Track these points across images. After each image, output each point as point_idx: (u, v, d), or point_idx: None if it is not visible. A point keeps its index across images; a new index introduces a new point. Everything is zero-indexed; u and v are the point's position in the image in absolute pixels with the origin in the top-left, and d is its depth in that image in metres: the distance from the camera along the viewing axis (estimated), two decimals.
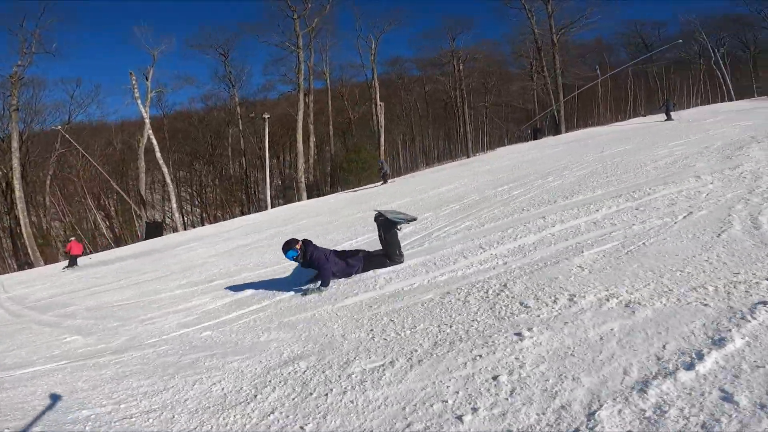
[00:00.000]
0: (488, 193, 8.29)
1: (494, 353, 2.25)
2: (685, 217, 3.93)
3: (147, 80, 27.90)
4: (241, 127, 36.38)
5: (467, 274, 3.80)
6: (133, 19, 55.17)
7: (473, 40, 36.75)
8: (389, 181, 19.19)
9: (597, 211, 4.82)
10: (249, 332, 3.71)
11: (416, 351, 2.50)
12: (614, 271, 3.02)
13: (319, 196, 25.54)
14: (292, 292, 4.64)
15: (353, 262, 4.60)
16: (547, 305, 2.71)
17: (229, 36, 37.53)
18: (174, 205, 27.97)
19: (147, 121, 26.48)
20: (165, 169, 27.11)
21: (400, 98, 40.22)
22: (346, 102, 38.01)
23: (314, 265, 4.46)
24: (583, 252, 3.56)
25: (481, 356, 2.26)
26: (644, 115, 28.45)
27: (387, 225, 4.52)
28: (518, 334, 2.39)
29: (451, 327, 2.74)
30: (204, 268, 7.98)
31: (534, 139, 27.67)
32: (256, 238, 10.81)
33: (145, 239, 23.16)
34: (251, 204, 37.00)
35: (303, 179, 28.15)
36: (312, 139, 31.47)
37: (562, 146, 15.51)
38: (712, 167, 5.75)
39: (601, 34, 38.64)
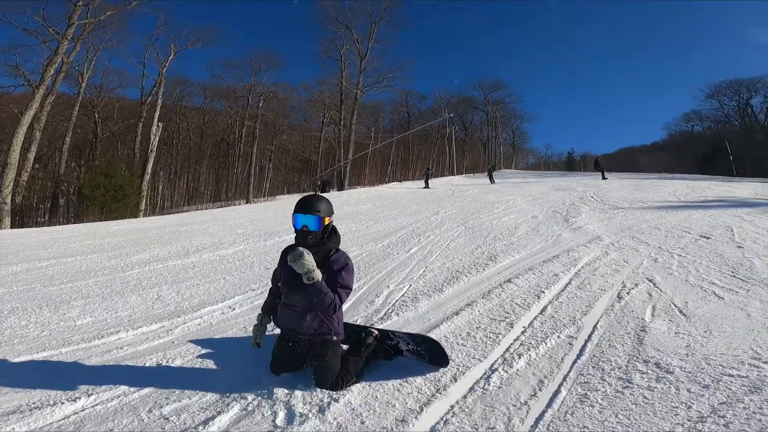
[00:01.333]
0: None
1: None
2: None
3: None
4: None
5: None
6: None
7: (278, 78, 35.51)
8: None
9: None
10: None
11: None
12: None
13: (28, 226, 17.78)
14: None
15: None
16: None
17: None
18: None
19: None
20: None
21: (176, 125, 34.24)
22: (97, 115, 29.51)
23: (313, 277, 2.19)
24: None
25: None
26: (400, 181, 33.70)
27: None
28: None
29: None
30: None
31: (323, 192, 28.22)
32: None
33: None
34: None
35: (8, 200, 19.13)
36: (33, 149, 22.35)
37: (369, 204, 15.63)
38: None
39: (377, 98, 44.25)
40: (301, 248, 2.20)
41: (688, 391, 1.96)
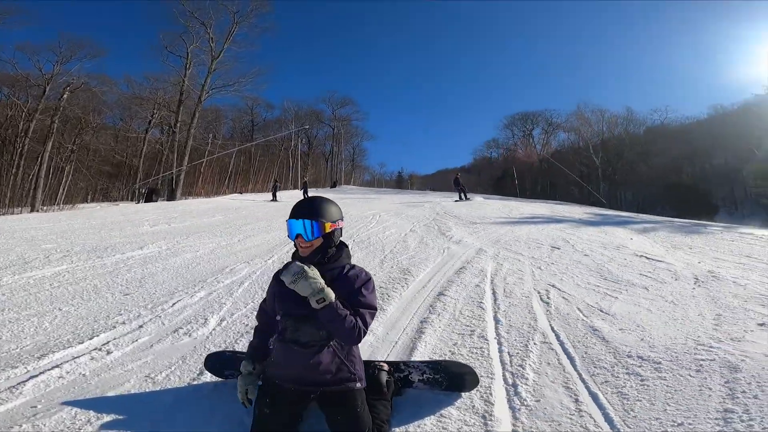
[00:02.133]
0: None
1: None
2: None
3: None
4: None
5: None
6: None
7: (95, 69, 28.18)
8: None
9: None
10: None
11: None
12: None
13: None
14: None
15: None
16: None
17: None
18: None
19: None
20: None
21: None
22: None
23: (321, 294, 1.69)
24: None
25: None
26: (240, 193, 31.86)
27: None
28: None
29: None
30: None
31: (149, 201, 24.33)
32: None
33: None
34: None
35: None
36: None
37: (220, 216, 14.00)
38: None
39: (219, 103, 40.06)
40: (298, 263, 1.74)
41: (690, 376, 2.22)
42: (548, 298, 4.00)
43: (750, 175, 32.19)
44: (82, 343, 2.96)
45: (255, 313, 3.72)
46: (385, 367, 2.15)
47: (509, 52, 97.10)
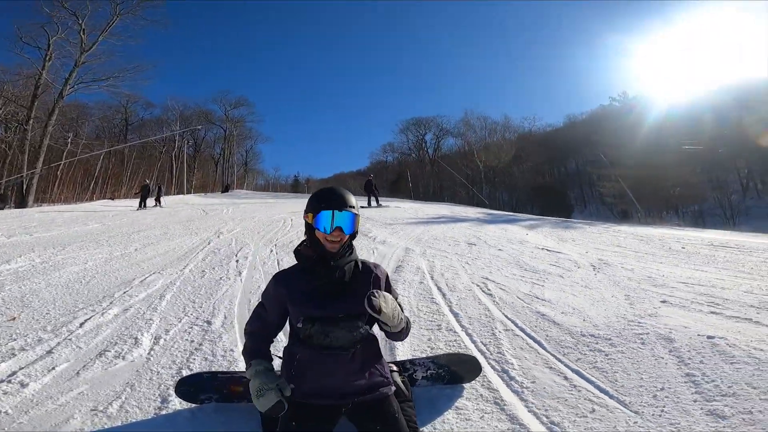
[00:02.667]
0: None
1: None
2: None
3: None
4: None
5: None
6: None
7: None
8: None
9: None
10: None
11: None
12: None
13: None
14: None
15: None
16: None
17: None
18: None
19: None
20: None
21: None
22: None
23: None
24: None
25: None
26: (112, 199, 28.12)
27: None
28: None
29: None
30: None
31: None
32: None
33: None
34: None
35: None
36: None
37: (96, 224, 12.09)
38: None
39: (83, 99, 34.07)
40: (376, 291, 1.54)
41: (640, 348, 2.58)
42: (488, 289, 4.29)
43: (597, 177, 38.82)
44: None
45: (194, 328, 3.30)
46: (395, 368, 2.07)
47: (407, 59, 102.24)
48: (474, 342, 2.86)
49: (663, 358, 2.39)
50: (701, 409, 1.78)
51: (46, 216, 13.45)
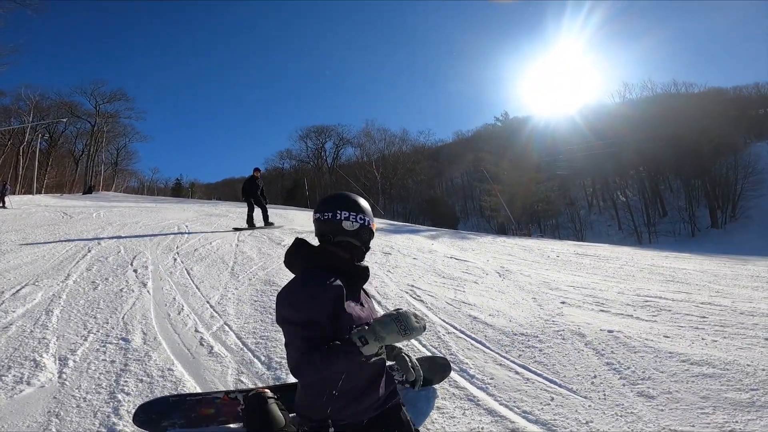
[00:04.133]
0: None
1: None
2: None
3: None
4: None
5: None
6: None
7: None
8: None
9: None
10: None
11: None
12: None
13: None
14: None
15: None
16: None
17: None
18: None
19: None
20: None
21: None
22: None
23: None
24: None
25: None
26: None
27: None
28: None
29: None
30: None
31: None
32: None
33: None
34: None
35: None
36: None
37: None
38: None
39: None
40: (402, 311, 1.49)
41: (563, 343, 3.01)
42: (418, 296, 4.53)
43: (480, 191, 43.11)
44: None
45: (108, 347, 2.85)
46: None
47: (308, 64, 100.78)
48: (424, 345, 3.03)
49: (583, 350, 2.85)
50: (631, 391, 2.20)
51: None
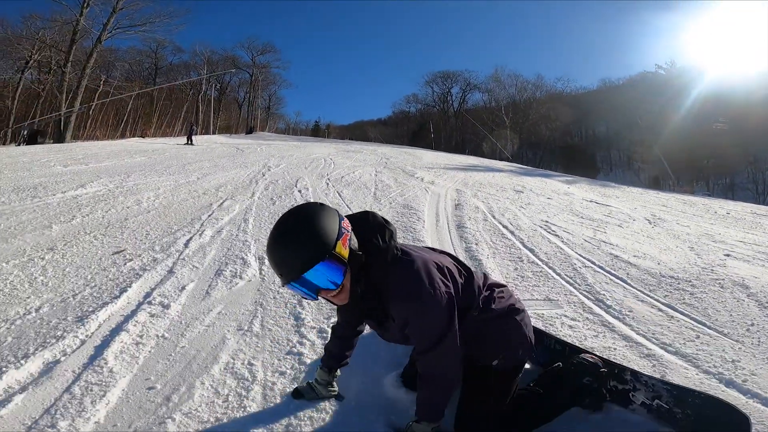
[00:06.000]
0: None
1: None
2: None
3: None
4: None
5: None
6: None
7: None
8: None
9: None
10: None
11: None
12: None
13: None
14: None
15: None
16: None
17: None
18: None
19: None
20: None
21: None
22: None
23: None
24: None
25: None
26: (143, 137, 28.77)
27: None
28: None
29: None
30: None
31: (32, 143, 21.51)
32: None
33: None
34: None
35: None
36: None
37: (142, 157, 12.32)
38: None
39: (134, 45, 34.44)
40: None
41: (720, 290, 2.79)
42: (553, 231, 4.48)
43: (632, 141, 37.57)
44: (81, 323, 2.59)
45: None
46: (597, 360, 1.62)
47: (432, 12, 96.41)
48: (558, 274, 3.09)
49: (744, 300, 2.59)
50: None
51: (88, 150, 13.64)
